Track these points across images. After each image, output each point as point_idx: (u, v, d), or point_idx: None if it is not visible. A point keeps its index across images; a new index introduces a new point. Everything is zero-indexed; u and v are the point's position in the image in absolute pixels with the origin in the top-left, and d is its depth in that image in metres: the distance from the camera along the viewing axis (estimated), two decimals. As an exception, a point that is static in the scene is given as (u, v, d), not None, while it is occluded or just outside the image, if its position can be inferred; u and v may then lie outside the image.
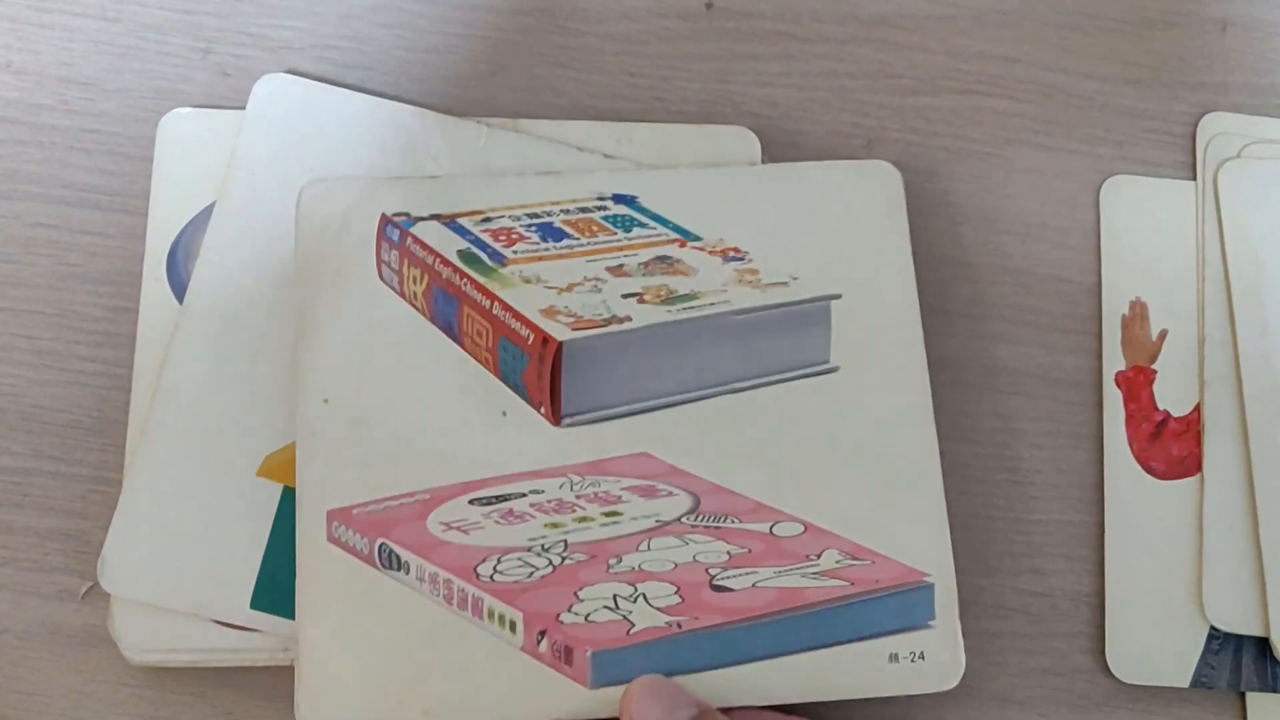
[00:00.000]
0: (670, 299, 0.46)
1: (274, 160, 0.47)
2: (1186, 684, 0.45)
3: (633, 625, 0.41)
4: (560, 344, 0.44)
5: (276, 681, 0.44)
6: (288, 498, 0.44)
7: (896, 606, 0.43)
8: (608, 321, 0.45)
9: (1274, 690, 0.46)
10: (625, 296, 0.46)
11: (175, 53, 0.49)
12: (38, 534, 0.45)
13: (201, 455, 0.44)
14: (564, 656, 0.41)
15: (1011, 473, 0.47)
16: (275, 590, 0.43)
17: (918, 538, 0.44)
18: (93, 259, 0.47)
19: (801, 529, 0.44)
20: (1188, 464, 0.47)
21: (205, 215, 0.47)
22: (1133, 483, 0.47)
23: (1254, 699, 0.46)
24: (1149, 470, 0.47)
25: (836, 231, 0.47)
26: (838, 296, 0.46)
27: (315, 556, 0.43)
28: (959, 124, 0.51)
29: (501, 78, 0.50)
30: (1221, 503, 0.47)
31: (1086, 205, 0.50)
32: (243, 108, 0.48)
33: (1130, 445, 0.48)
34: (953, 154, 0.50)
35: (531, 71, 0.50)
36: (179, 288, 0.46)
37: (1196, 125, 0.51)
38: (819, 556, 0.43)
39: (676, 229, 0.48)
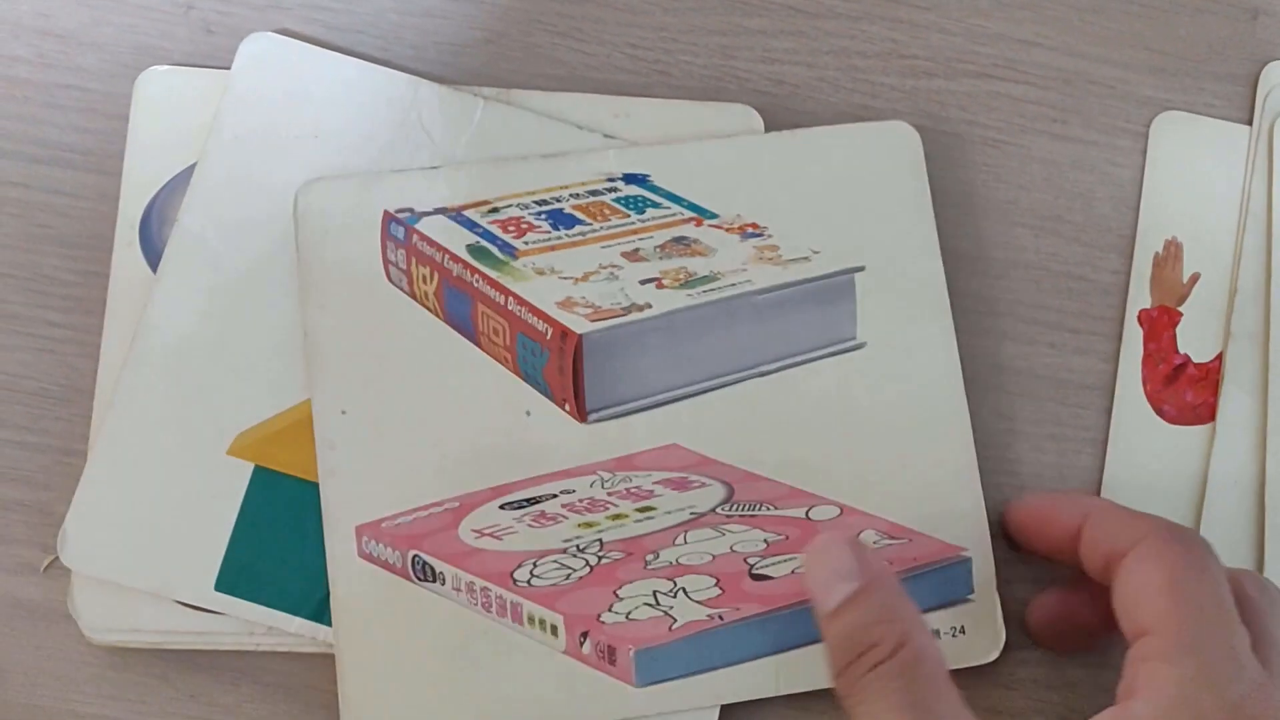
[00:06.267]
0: (689, 282, 0.45)
1: (259, 125, 0.46)
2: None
3: (674, 620, 0.41)
4: (580, 337, 0.43)
5: (243, 665, 0.43)
6: (258, 478, 0.43)
7: (936, 582, 0.42)
8: (627, 310, 0.44)
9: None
10: (643, 282, 0.44)
11: (157, 7, 0.47)
12: (-1, 504, 0.44)
13: (170, 430, 0.43)
14: (608, 657, 0.41)
15: (1011, 475, 0.46)
16: (241, 573, 0.42)
17: (954, 512, 0.43)
18: (64, 220, 0.46)
19: (838, 511, 0.43)
20: (1201, 411, 0.46)
21: (181, 179, 0.45)
22: (1142, 425, 0.46)
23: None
24: (1159, 413, 0.46)
25: (855, 198, 0.46)
26: (861, 269, 0.45)
27: (348, 573, 0.42)
28: (974, 109, 0.49)
29: (498, 45, 0.48)
30: (1230, 456, 0.45)
31: (1104, 199, 0.48)
32: (226, 67, 0.46)
33: (1144, 385, 0.46)
34: (966, 141, 0.48)
35: (529, 40, 0.48)
36: (152, 253, 0.45)
37: (1224, 116, 0.49)
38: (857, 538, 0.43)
39: (691, 207, 0.46)
